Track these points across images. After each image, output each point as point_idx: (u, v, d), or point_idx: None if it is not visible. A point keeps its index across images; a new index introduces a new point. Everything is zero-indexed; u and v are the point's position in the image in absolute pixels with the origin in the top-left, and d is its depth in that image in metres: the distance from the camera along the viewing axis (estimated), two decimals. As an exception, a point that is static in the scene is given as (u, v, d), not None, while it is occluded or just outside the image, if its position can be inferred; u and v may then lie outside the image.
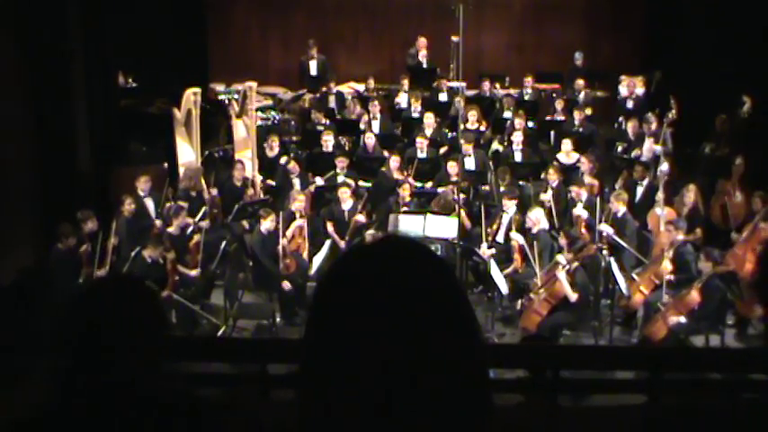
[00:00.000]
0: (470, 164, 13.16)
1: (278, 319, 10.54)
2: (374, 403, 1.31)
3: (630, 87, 16.04)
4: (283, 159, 13.47)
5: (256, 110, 14.47)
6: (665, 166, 12.50)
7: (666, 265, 9.94)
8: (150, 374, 2.39)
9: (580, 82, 16.44)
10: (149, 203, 11.79)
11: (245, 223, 11.90)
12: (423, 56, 17.32)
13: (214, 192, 12.25)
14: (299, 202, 11.49)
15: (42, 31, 11.40)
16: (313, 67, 17.33)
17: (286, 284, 10.57)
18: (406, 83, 16.34)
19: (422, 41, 17.33)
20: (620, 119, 15.46)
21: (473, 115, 14.75)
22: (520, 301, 10.43)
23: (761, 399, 1.58)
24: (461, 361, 1.35)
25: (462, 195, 11.67)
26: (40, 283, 9.94)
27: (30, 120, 11.38)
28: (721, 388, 6.49)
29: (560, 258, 10.05)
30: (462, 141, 12.99)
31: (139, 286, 2.58)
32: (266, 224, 10.80)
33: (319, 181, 12.90)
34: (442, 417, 1.32)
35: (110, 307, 2.37)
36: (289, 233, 11.10)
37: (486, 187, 12.93)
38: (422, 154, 13.39)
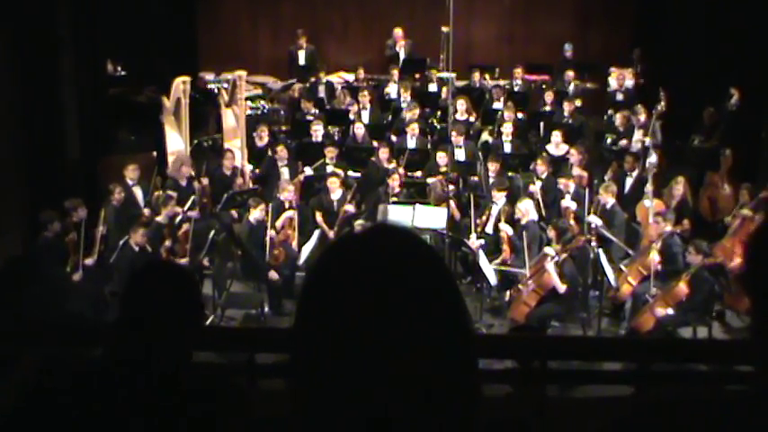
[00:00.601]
0: (460, 155, 13.17)
1: (266, 309, 10.53)
2: (363, 393, 1.31)
3: (620, 80, 16.05)
4: (271, 148, 13.46)
5: (246, 99, 14.44)
6: (653, 158, 12.53)
7: (654, 257, 9.97)
8: (184, 359, 2.49)
9: (570, 73, 16.45)
10: (138, 192, 11.76)
11: (234, 212, 11.89)
12: (400, 47, 17.36)
13: (204, 181, 12.23)
14: (287, 192, 11.48)
15: (31, 18, 11.33)
16: (301, 57, 17.31)
17: (273, 274, 10.56)
18: (395, 73, 16.33)
19: (398, 33, 17.38)
20: (610, 111, 15.47)
21: (462, 106, 14.74)
22: (508, 292, 10.44)
23: (747, 390, 1.58)
24: (451, 350, 1.35)
25: (451, 186, 11.67)
26: (27, 272, 9.90)
27: (18, 107, 11.32)
28: (708, 379, 6.51)
29: (549, 250, 10.07)
30: (454, 133, 12.98)
31: (188, 275, 2.71)
32: (255, 214, 10.80)
33: (308, 171, 12.88)
34: (432, 406, 1.32)
35: (162, 292, 2.49)
36: (279, 224, 11.10)
37: (476, 178, 12.93)
38: (412, 144, 13.40)
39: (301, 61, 17.28)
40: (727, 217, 11.49)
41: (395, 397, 1.30)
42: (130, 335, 2.44)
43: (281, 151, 12.85)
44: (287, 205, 11.40)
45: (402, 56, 17.31)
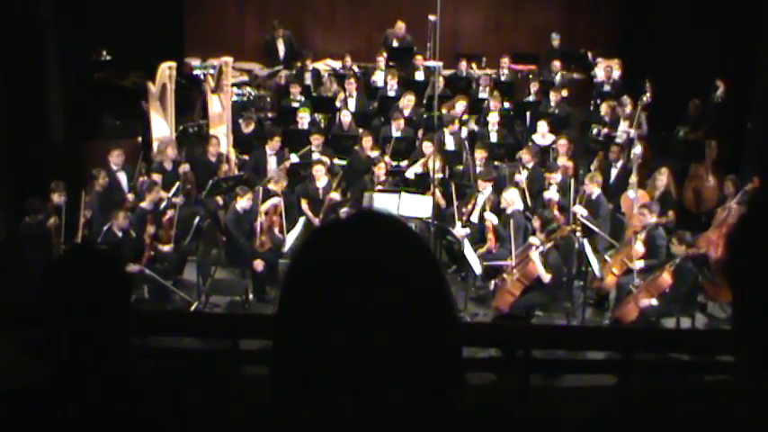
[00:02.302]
0: (449, 144, 13.19)
1: (250, 296, 10.51)
2: (347, 378, 1.31)
3: (607, 72, 16.03)
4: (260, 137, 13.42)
5: (232, 85, 14.39)
6: (638, 149, 12.54)
7: (639, 248, 10.00)
8: (118, 352, 2.32)
9: (556, 63, 16.43)
10: (122, 177, 11.72)
11: (219, 199, 11.86)
12: (398, 37, 17.21)
13: (186, 167, 12.17)
14: (272, 183, 11.47)
15: (15, 2, 11.26)
16: (281, 49, 17.08)
17: (258, 265, 10.51)
18: (382, 61, 16.28)
19: (400, 26, 17.16)
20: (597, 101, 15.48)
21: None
22: (493, 282, 10.46)
23: (729, 380, 1.59)
24: (435, 335, 1.35)
25: (439, 174, 11.70)
26: (10, 257, 9.87)
27: (1, 91, 11.25)
28: (691, 369, 6.55)
29: (534, 239, 10.09)
30: (446, 129, 13.01)
31: (101, 257, 2.50)
32: (242, 203, 10.74)
33: (294, 158, 12.84)
34: (416, 392, 1.32)
35: (73, 282, 2.30)
36: (263, 209, 11.06)
37: (462, 167, 12.93)
38: (397, 132, 13.38)
39: (281, 51, 17.07)
40: (713, 208, 11.53)
41: (379, 382, 1.30)
42: (55, 325, 2.29)
43: (275, 142, 12.76)
44: (271, 192, 11.38)
45: (394, 44, 17.18)
